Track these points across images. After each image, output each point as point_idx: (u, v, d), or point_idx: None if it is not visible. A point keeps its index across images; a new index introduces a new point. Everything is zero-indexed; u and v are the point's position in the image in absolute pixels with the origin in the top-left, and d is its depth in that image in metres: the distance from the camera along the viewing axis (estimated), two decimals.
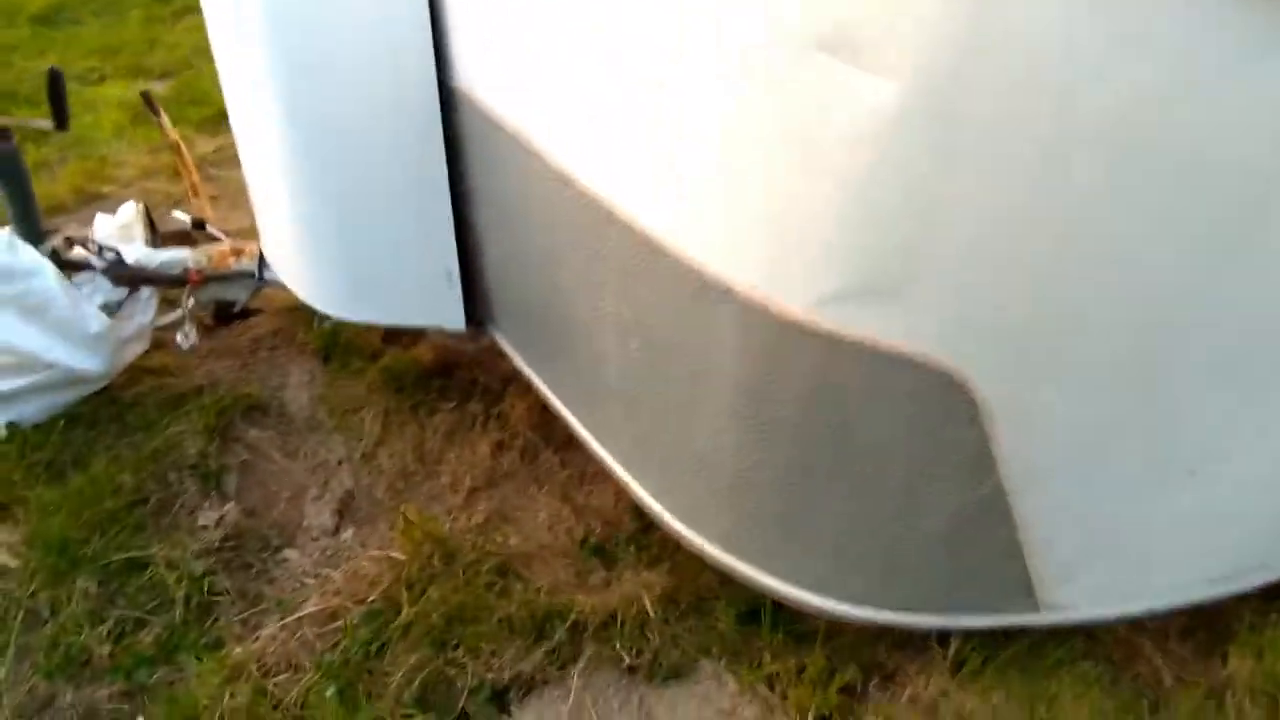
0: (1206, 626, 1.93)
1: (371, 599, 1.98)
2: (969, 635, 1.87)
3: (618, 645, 1.94)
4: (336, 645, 1.91)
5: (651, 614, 1.97)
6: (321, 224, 2.12)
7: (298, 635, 1.95)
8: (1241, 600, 1.81)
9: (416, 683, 1.83)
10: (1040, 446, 1.43)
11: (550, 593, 2.04)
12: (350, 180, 2.03)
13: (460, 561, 2.07)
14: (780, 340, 1.35)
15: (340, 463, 2.36)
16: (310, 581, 2.09)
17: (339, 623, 1.94)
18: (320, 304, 2.25)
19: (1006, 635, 1.85)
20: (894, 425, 1.40)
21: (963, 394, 1.31)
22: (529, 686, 1.89)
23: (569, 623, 1.95)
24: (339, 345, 2.61)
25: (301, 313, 2.67)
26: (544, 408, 2.16)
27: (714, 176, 1.33)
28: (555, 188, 1.66)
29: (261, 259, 2.42)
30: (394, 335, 2.67)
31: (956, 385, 1.30)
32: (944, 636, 1.90)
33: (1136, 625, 1.88)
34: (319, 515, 2.24)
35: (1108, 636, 1.92)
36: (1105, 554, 1.68)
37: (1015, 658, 1.88)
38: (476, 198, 2.02)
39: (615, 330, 1.69)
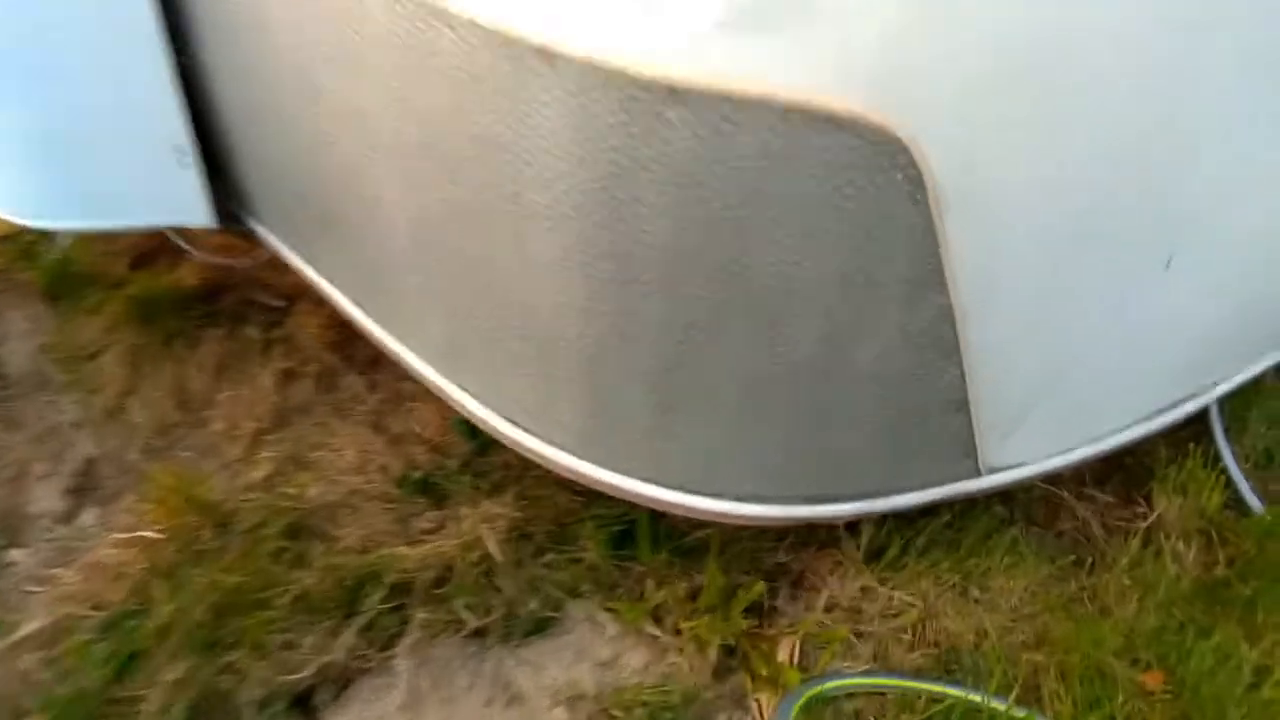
0: (1123, 469, 1.75)
1: (115, 600, 1.46)
2: (881, 520, 1.50)
3: (457, 605, 1.48)
4: (67, 673, 1.38)
5: (498, 556, 1.50)
6: None
7: (17, 666, 1.41)
8: (1156, 438, 1.59)
9: (180, 705, 1.33)
10: (1000, 245, 1.01)
11: (363, 550, 1.55)
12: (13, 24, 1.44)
13: (237, 529, 1.56)
14: (638, 116, 0.88)
15: (76, 425, 1.79)
16: (36, 590, 1.54)
17: (72, 639, 1.42)
18: (9, 211, 1.66)
19: (922, 514, 1.49)
20: (807, 227, 0.95)
21: (903, 159, 0.87)
22: (342, 681, 1.42)
23: (388, 586, 1.47)
24: (70, 278, 2.01)
25: (20, 242, 2.06)
26: (343, 323, 1.65)
27: None
28: None
29: None
30: (145, 259, 2.09)
31: (895, 148, 0.87)
32: (851, 525, 1.52)
33: (1052, 478, 1.63)
34: (48, 498, 1.69)
35: (1024, 496, 1.70)
36: (1054, 394, 1.30)
37: (935, 537, 1.58)
38: (201, 34, 1.47)
39: (394, 165, 1.19)
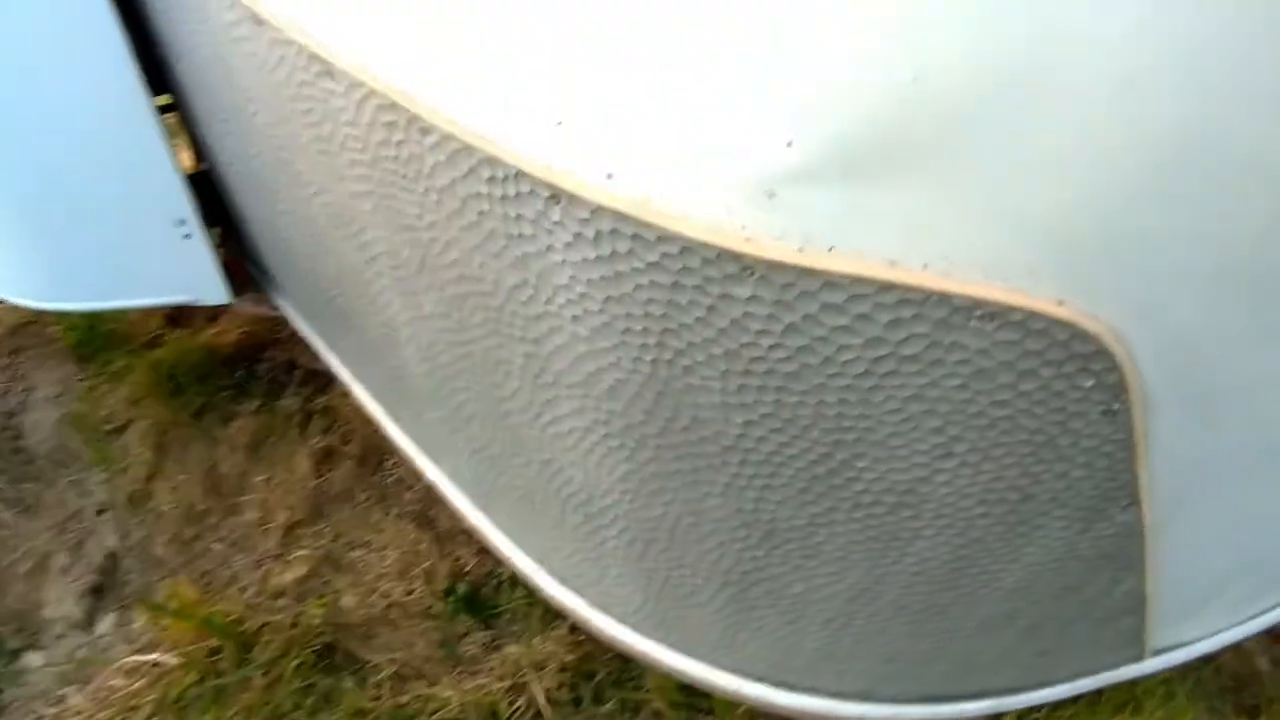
0: None
1: None
2: None
3: None
4: None
5: (544, 704, 1.27)
6: None
7: None
8: None
9: None
10: (1209, 448, 0.70)
11: (399, 682, 1.33)
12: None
13: (263, 655, 1.36)
14: (692, 289, 0.61)
15: (101, 511, 1.62)
16: (46, 711, 1.37)
17: None
18: (7, 290, 1.48)
19: None
20: (942, 440, 0.66)
21: (1099, 363, 0.58)
22: None
23: None
24: (100, 336, 1.84)
25: None
26: None
27: None
28: (248, 33, 0.90)
29: None
30: (182, 312, 1.90)
31: (1087, 348, 0.58)
32: None
33: None
34: (67, 598, 1.52)
35: None
36: (1244, 579, 0.98)
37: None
38: (191, 99, 1.24)
39: (396, 282, 0.94)
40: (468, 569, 1.48)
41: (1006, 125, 0.49)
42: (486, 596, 1.44)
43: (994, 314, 0.57)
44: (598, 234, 0.62)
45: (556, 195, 0.62)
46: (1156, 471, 0.69)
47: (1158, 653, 1.05)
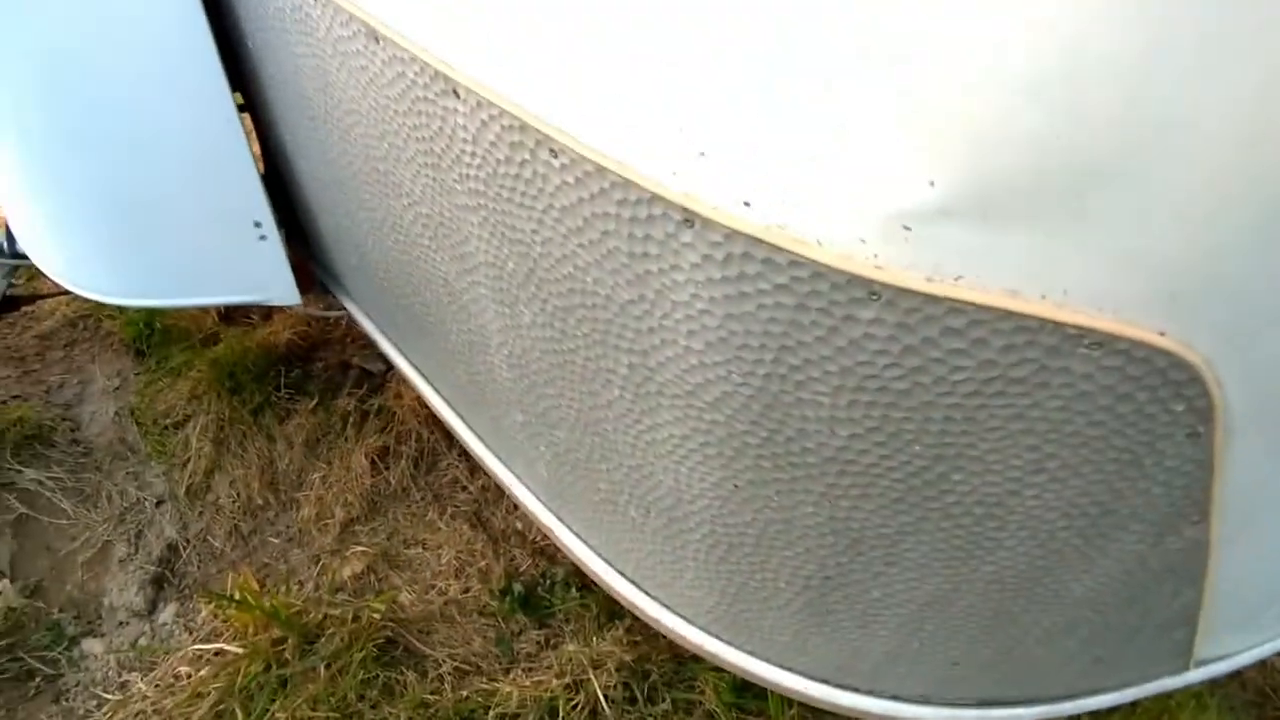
0: None
1: None
2: None
3: None
4: None
5: (606, 711, 1.31)
6: (60, 176, 1.38)
7: None
8: None
9: None
10: (1277, 474, 0.74)
11: (459, 677, 1.38)
12: (88, 108, 1.29)
13: (327, 647, 1.40)
14: (816, 311, 0.66)
15: (160, 503, 1.67)
16: (108, 696, 1.42)
17: None
18: (84, 288, 1.52)
19: None
20: (1036, 457, 0.71)
21: (1192, 389, 0.64)
22: None
23: None
24: (157, 331, 1.89)
25: None
26: None
27: None
28: (361, 48, 0.94)
29: (8, 230, 1.68)
30: (236, 312, 1.95)
31: (1183, 375, 0.63)
32: None
33: None
34: (128, 586, 1.56)
35: None
36: None
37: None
38: (272, 103, 1.29)
39: (494, 292, 0.99)
40: (522, 569, 1.53)
41: (1139, 175, 0.54)
42: (541, 596, 1.49)
43: (1102, 342, 0.62)
44: (728, 256, 0.67)
45: (690, 219, 0.67)
46: (1229, 491, 0.74)
47: (1200, 664, 1.09)
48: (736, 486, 0.86)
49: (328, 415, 1.75)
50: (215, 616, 1.47)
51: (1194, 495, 0.75)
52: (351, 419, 1.74)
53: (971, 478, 0.74)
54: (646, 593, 1.11)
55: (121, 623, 1.53)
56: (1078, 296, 0.60)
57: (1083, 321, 0.61)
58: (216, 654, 1.42)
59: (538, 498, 1.20)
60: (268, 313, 1.92)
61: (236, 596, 1.43)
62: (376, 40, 0.91)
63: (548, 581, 1.51)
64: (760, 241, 0.65)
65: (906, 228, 0.59)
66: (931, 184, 0.57)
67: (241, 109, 1.43)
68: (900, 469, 0.75)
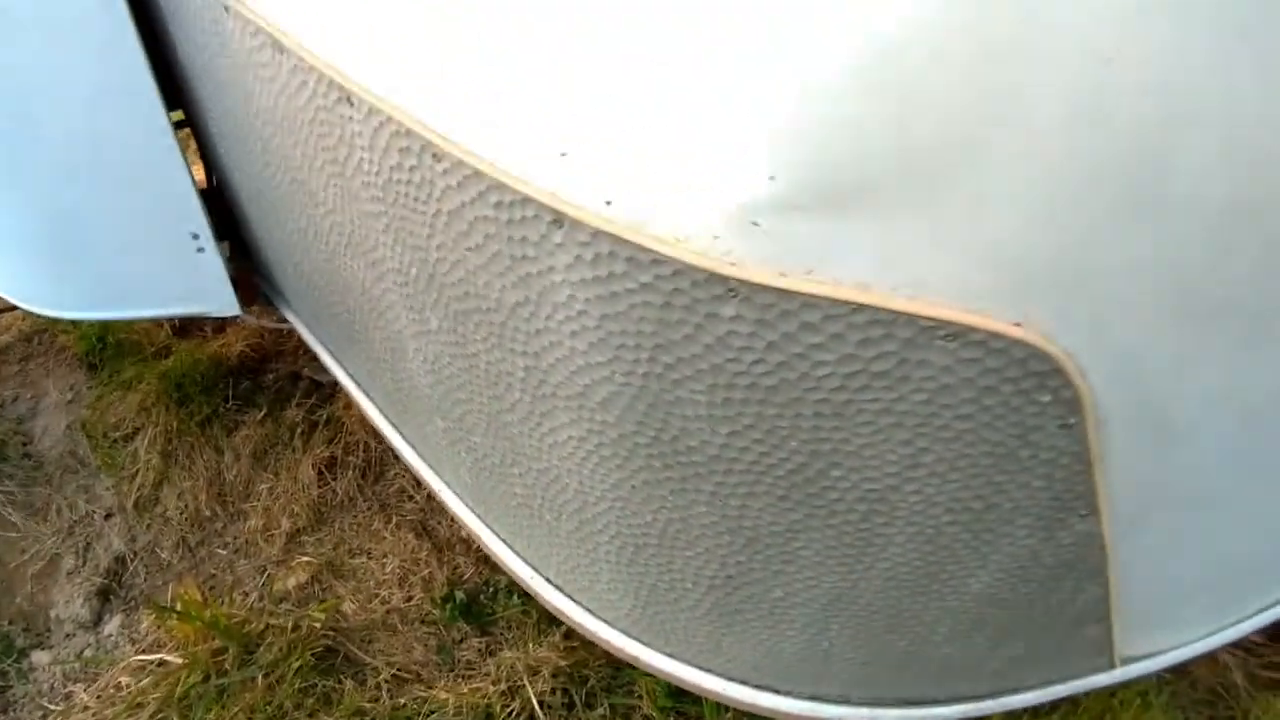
0: None
1: None
2: None
3: None
4: None
5: (540, 706, 1.31)
6: None
7: None
8: None
9: None
10: (1168, 462, 0.76)
11: (397, 685, 1.38)
12: (18, 122, 1.29)
13: (266, 656, 1.40)
14: (680, 309, 0.67)
15: (109, 515, 1.67)
16: (52, 708, 1.42)
17: None
18: (27, 301, 1.53)
19: None
20: (910, 451, 0.72)
21: (1054, 380, 0.64)
22: None
23: None
24: (110, 345, 1.89)
25: None
26: None
27: None
28: (269, 59, 0.96)
29: None
30: (190, 324, 1.95)
31: (1043, 367, 0.64)
32: None
33: None
34: (74, 599, 1.56)
35: None
36: (1213, 589, 1.04)
37: None
38: (207, 116, 1.30)
39: (404, 299, 1.00)
40: (465, 577, 1.53)
41: (973, 165, 0.55)
42: (483, 604, 1.49)
43: (957, 334, 0.62)
44: (596, 256, 0.68)
45: (559, 219, 0.68)
46: (1114, 484, 0.75)
47: (1127, 661, 1.10)
48: (634, 487, 0.86)
49: (276, 426, 1.76)
50: (158, 627, 1.47)
51: (1076, 488, 0.75)
52: (300, 429, 1.74)
53: (850, 474, 0.74)
54: (570, 597, 1.12)
55: (68, 634, 1.54)
56: (930, 288, 0.61)
57: (936, 314, 0.61)
58: (159, 664, 1.42)
59: (464, 504, 1.21)
60: (221, 325, 1.93)
61: (178, 608, 1.43)
62: (281, 51, 0.92)
63: (490, 589, 1.51)
64: (624, 240, 0.65)
65: (755, 223, 0.60)
66: (771, 178, 0.58)
67: (184, 124, 1.45)
68: (780, 466, 0.75)
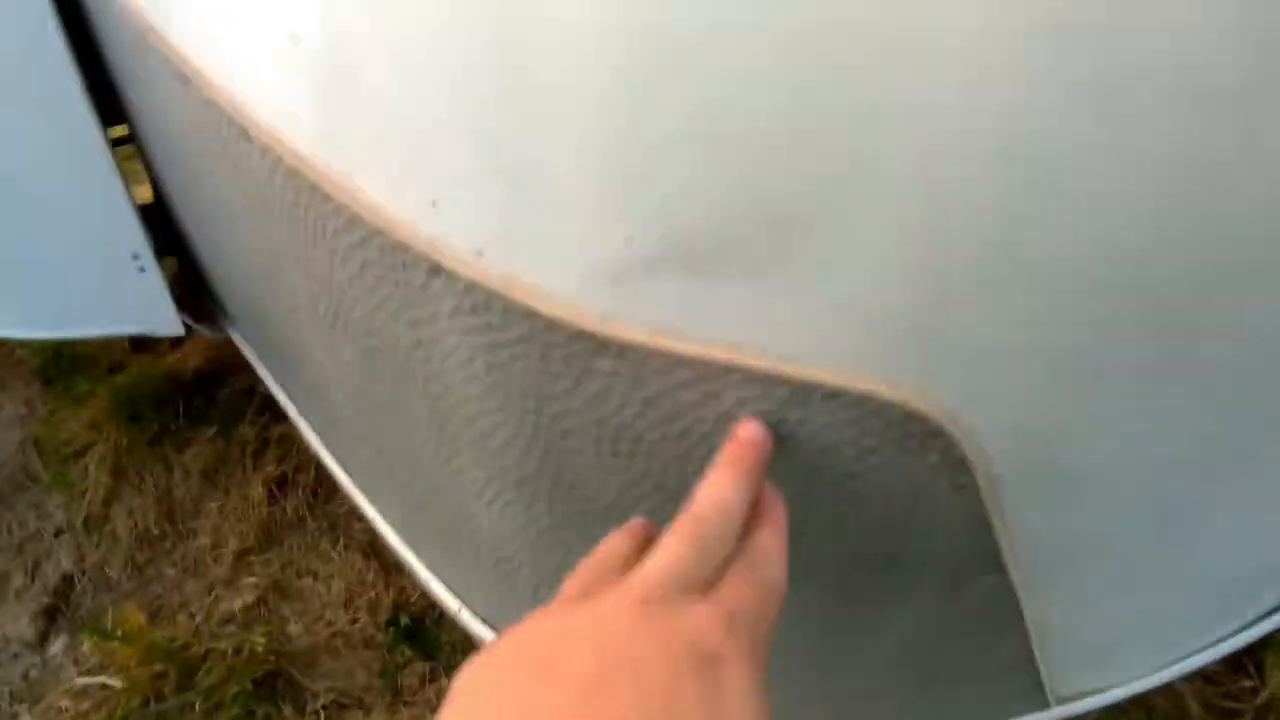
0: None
1: None
2: None
3: None
4: None
5: None
6: None
7: None
8: None
9: None
10: (1076, 521, 0.73)
11: (336, 710, 1.36)
12: None
13: (205, 680, 1.39)
14: (559, 361, 0.66)
15: (59, 533, 1.65)
16: None
17: None
18: None
19: None
20: (800, 508, 0.70)
21: (938, 441, 0.62)
22: None
23: None
24: (67, 359, 1.88)
25: None
26: None
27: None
28: (179, 92, 0.94)
29: None
30: (146, 340, 1.94)
31: (924, 427, 0.62)
32: None
33: None
34: (21, 618, 1.55)
35: None
36: (1142, 634, 1.01)
37: None
38: (144, 134, 1.28)
39: (317, 332, 0.98)
40: (411, 601, 1.51)
41: (828, 231, 0.53)
42: (427, 628, 1.48)
43: (833, 394, 0.60)
44: (474, 305, 0.66)
45: (437, 269, 0.66)
46: (1017, 541, 0.73)
47: (1064, 700, 1.07)
48: (539, 532, 0.84)
49: (227, 444, 1.74)
50: (99, 650, 1.46)
51: (978, 547, 0.73)
52: (251, 447, 1.73)
53: None
54: (495, 631, 1.10)
55: (15, 654, 1.52)
56: (800, 349, 0.59)
57: (807, 376, 0.59)
58: (100, 688, 1.40)
59: (396, 534, 1.19)
60: (178, 340, 1.91)
61: (118, 631, 1.42)
62: (184, 83, 0.90)
63: (435, 613, 1.49)
64: (496, 293, 0.63)
65: (621, 282, 0.58)
66: (628, 239, 0.56)
67: (127, 140, 1.42)
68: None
